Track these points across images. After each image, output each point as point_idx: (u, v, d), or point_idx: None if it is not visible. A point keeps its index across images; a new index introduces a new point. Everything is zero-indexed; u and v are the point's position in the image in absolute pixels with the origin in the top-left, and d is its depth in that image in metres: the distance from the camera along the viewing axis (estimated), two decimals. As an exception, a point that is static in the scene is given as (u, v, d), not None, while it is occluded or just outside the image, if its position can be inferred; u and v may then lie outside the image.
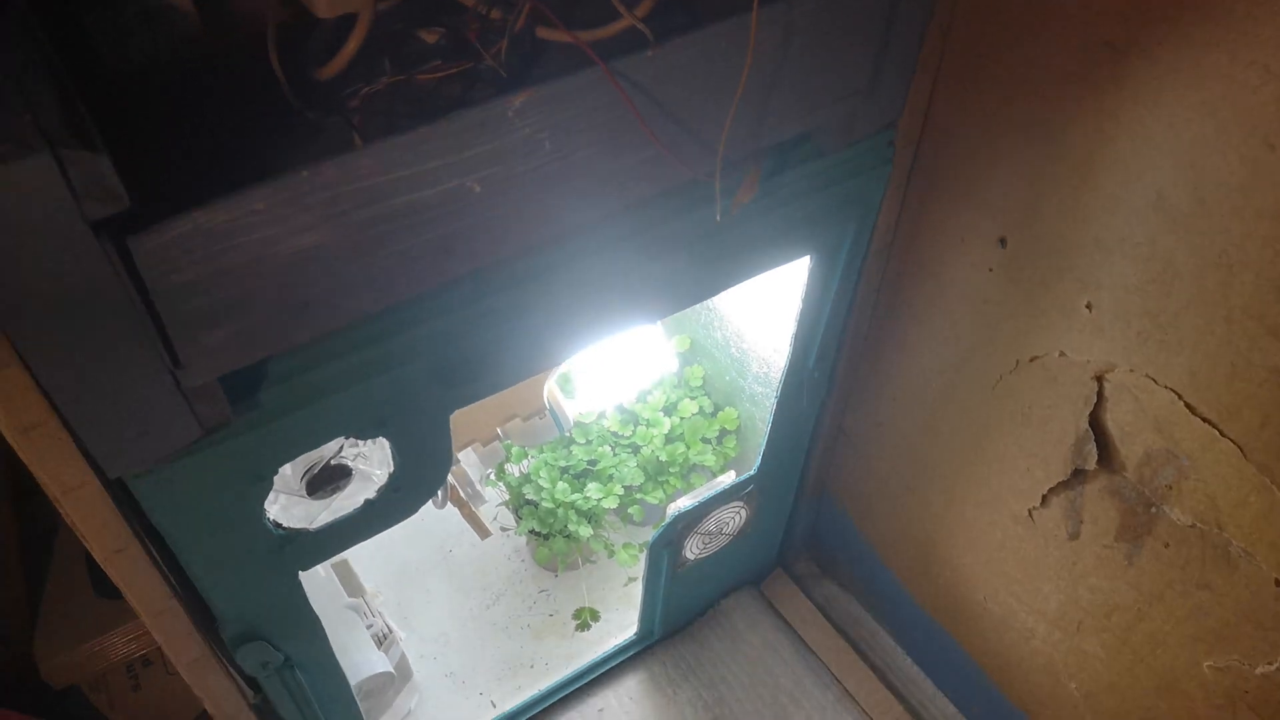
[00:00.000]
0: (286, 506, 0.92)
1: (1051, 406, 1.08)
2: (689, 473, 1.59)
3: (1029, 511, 1.18)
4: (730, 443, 1.61)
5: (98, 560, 0.79)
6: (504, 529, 1.65)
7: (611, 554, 1.59)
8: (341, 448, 0.91)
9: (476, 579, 1.72)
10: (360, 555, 1.70)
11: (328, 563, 1.40)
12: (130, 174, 0.57)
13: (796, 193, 0.97)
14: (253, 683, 1.04)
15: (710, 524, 1.42)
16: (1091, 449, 1.05)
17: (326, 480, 0.89)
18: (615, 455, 1.57)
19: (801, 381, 1.27)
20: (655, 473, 1.57)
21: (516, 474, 1.59)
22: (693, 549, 1.45)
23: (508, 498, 1.61)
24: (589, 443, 1.59)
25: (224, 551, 0.85)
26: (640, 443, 1.58)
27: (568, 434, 1.53)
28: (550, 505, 1.52)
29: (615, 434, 1.60)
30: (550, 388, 1.35)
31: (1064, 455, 1.09)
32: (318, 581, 1.35)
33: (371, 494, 0.93)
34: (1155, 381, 0.95)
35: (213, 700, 1.02)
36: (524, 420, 1.27)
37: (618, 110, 0.74)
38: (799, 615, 1.65)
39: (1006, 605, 1.29)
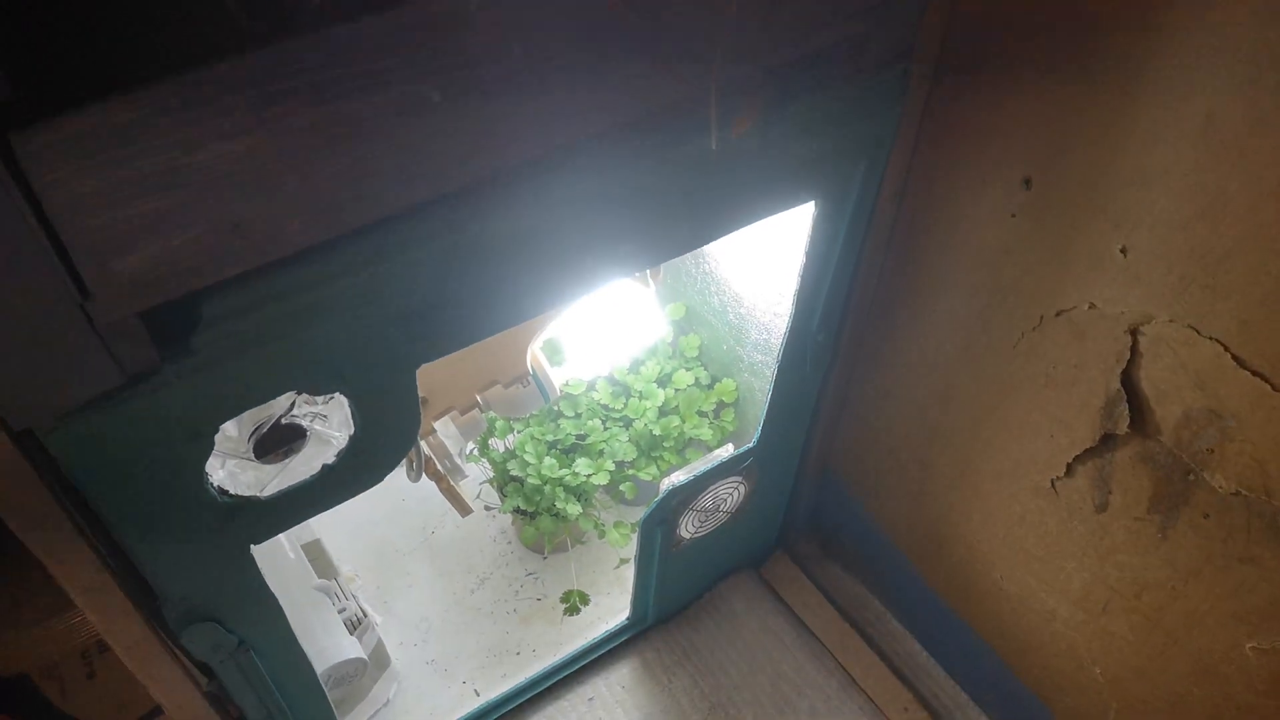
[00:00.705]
0: (233, 471, 0.83)
1: (1079, 366, 0.98)
2: (684, 448, 1.50)
3: (1052, 482, 1.08)
4: (728, 416, 1.51)
5: (12, 527, 0.70)
6: (488, 508, 1.56)
7: (602, 534, 1.50)
8: (294, 404, 0.82)
9: (460, 561, 1.63)
10: (335, 535, 1.61)
11: (296, 541, 1.31)
12: (16, 60, 0.48)
13: (801, 128, 0.88)
14: (205, 668, 0.95)
15: (707, 500, 1.33)
16: (1123, 411, 0.96)
17: (278, 442, 0.80)
18: (606, 429, 1.48)
19: (804, 347, 1.17)
20: (648, 448, 1.48)
21: (501, 450, 1.50)
22: (688, 527, 1.36)
23: (492, 475, 1.52)
24: (578, 416, 1.50)
25: (161, 521, 0.76)
26: (632, 416, 1.49)
27: (553, 404, 1.44)
28: (536, 482, 1.43)
29: (606, 407, 1.51)
30: (534, 352, 1.26)
31: (1092, 419, 0.99)
32: (283, 560, 1.26)
33: (330, 459, 0.83)
34: (1198, 332, 0.86)
35: (160, 687, 0.93)
36: (505, 387, 1.18)
37: (599, 14, 0.65)
38: (801, 599, 1.57)
39: (1025, 585, 1.20)
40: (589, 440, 1.47)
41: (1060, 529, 1.11)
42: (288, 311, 0.69)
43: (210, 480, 0.77)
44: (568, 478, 1.43)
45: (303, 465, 0.87)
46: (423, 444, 1.19)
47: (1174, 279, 0.85)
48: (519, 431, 1.48)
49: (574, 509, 1.41)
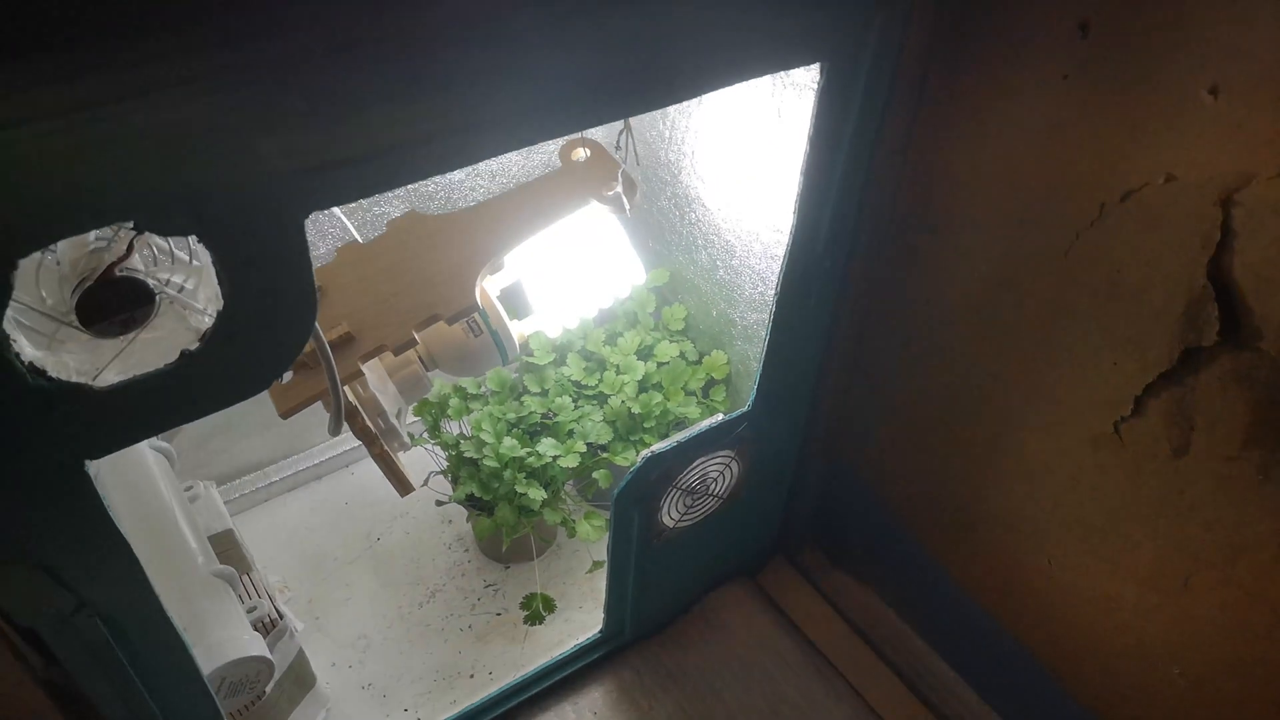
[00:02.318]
0: (52, 341, 0.62)
1: (1151, 263, 0.79)
2: (667, 430, 1.29)
3: (1115, 426, 0.88)
4: (719, 394, 1.31)
5: None
6: (439, 503, 1.34)
7: (572, 532, 1.28)
8: (130, 248, 0.62)
9: (408, 572, 1.40)
10: (262, 542, 1.39)
11: (193, 520, 1.09)
12: None
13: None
14: (34, 640, 0.73)
15: (693, 477, 1.12)
16: (1211, 314, 0.76)
17: (113, 304, 0.60)
18: (577, 408, 1.28)
19: (808, 275, 0.98)
20: (626, 430, 1.28)
21: (456, 434, 1.29)
22: (672, 511, 1.15)
23: (446, 465, 1.30)
24: (544, 393, 1.30)
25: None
26: (608, 392, 1.28)
27: (514, 364, 1.23)
28: (494, 465, 1.21)
29: (577, 384, 1.30)
30: (483, 290, 1.07)
31: (1168, 332, 0.80)
32: (170, 536, 1.04)
33: (191, 342, 0.63)
34: (1318, 186, 0.67)
35: (-29, 666, 0.71)
36: (447, 324, 0.98)
37: None
38: (805, 611, 1.34)
39: (1080, 567, 0.99)
40: (558, 420, 1.26)
41: (1126, 486, 0.90)
42: (96, 90, 0.50)
43: (15, 350, 0.57)
44: (530, 459, 1.22)
45: (152, 347, 0.66)
46: (347, 391, 0.98)
47: (1286, 113, 0.66)
48: (477, 410, 1.27)
49: (537, 494, 1.20)
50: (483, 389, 1.31)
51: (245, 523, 1.42)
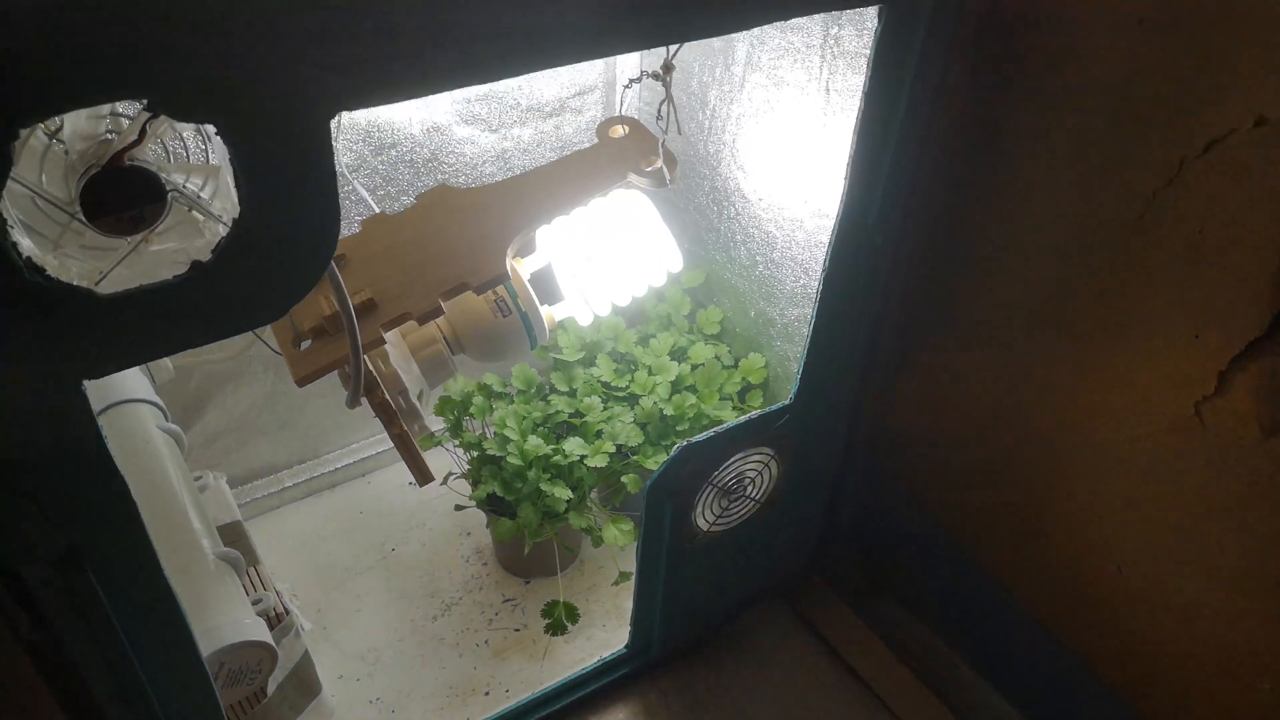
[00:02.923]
0: (56, 244, 0.58)
1: (1237, 220, 0.73)
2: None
3: (1195, 407, 0.81)
4: (755, 399, 1.25)
5: None
6: (458, 507, 1.28)
7: (598, 541, 1.21)
8: (143, 133, 0.57)
9: (422, 584, 1.33)
10: (267, 543, 1.33)
11: (199, 505, 1.03)
12: None
13: None
14: (20, 595, 0.66)
15: (730, 475, 1.05)
16: (1309, 271, 0.70)
17: (121, 196, 0.55)
18: (606, 409, 1.21)
19: (858, 252, 0.93)
20: (657, 434, 1.21)
21: (479, 433, 1.23)
22: (706, 513, 1.07)
23: (468, 468, 1.24)
24: (572, 393, 1.24)
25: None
26: (639, 392, 1.22)
27: (541, 346, 1.16)
28: (518, 463, 1.15)
29: (607, 385, 1.24)
30: (513, 269, 1.02)
31: (1257, 297, 0.73)
32: (173, 513, 0.97)
33: (204, 254, 0.58)
34: None
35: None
36: (476, 294, 0.93)
37: None
38: (846, 635, 1.25)
39: (1153, 571, 0.91)
40: (585, 421, 1.20)
41: (1208, 476, 0.83)
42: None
43: (11, 240, 0.52)
44: (556, 458, 1.16)
45: (160, 254, 0.61)
46: (368, 363, 0.93)
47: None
48: (501, 408, 1.21)
49: (562, 492, 1.13)
50: (508, 388, 1.26)
51: (254, 529, 1.35)
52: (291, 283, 0.63)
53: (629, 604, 1.18)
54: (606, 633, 1.27)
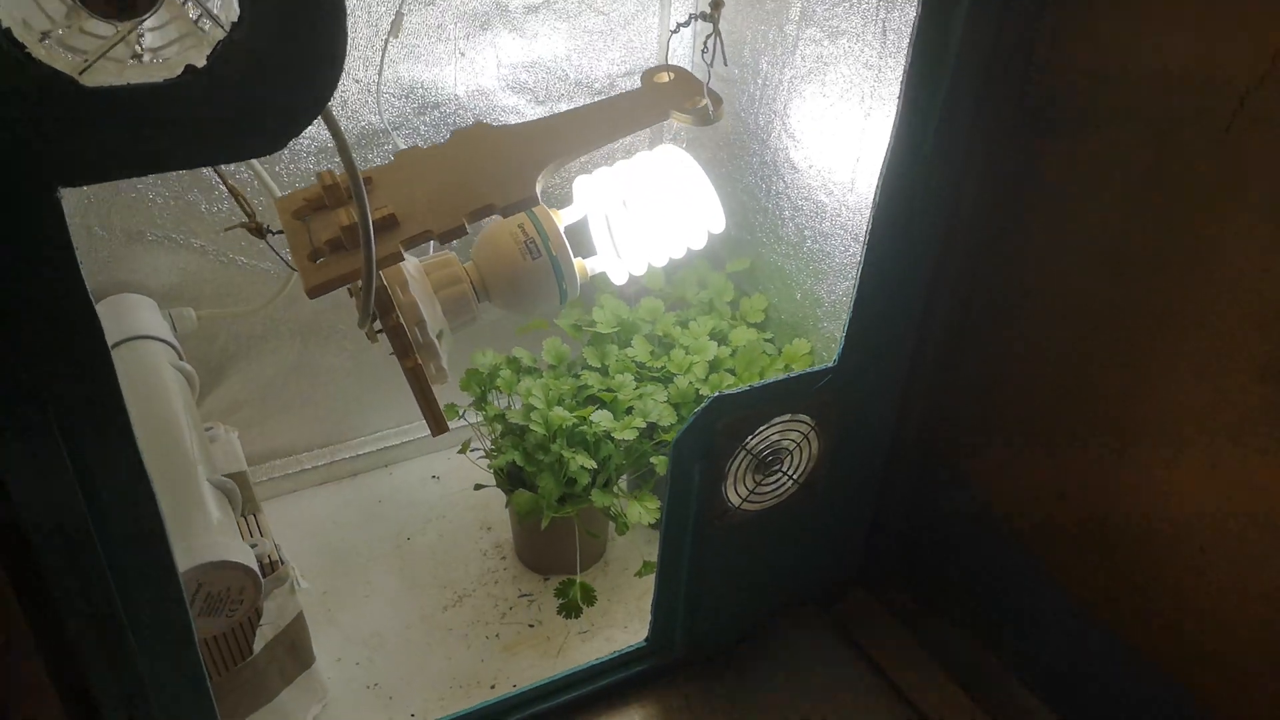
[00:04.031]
0: (41, 30, 0.54)
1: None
2: (739, 419, 1.15)
3: (1292, 344, 0.72)
4: (798, 386, 1.17)
5: None
6: (478, 485, 1.20)
7: (623, 528, 1.12)
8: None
9: (436, 574, 1.25)
10: (279, 527, 1.27)
11: (183, 420, 0.97)
12: None
13: None
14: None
15: (765, 443, 0.97)
16: None
17: (110, -27, 0.52)
18: (639, 388, 1.15)
19: (911, 186, 0.86)
20: (692, 414, 1.13)
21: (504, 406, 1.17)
22: (739, 486, 0.99)
23: (490, 446, 1.17)
24: (604, 370, 1.17)
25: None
26: (675, 371, 1.15)
27: (571, 300, 1.09)
28: (541, 432, 1.08)
29: (642, 365, 1.18)
30: (546, 211, 0.97)
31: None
32: (164, 431, 0.92)
33: (199, 60, 0.54)
34: None
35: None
36: (503, 214, 0.88)
37: None
38: (890, 649, 1.13)
39: (1244, 553, 0.80)
40: (617, 398, 1.13)
41: (1308, 426, 0.73)
42: None
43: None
44: (583, 429, 1.08)
45: (158, 69, 0.58)
46: (386, 284, 0.88)
47: None
48: (530, 380, 1.15)
49: (586, 462, 1.05)
50: (537, 363, 1.20)
51: (267, 510, 1.30)
52: (293, 106, 0.59)
53: (649, 598, 1.08)
54: (628, 634, 1.18)
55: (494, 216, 0.90)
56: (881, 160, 0.86)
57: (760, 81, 1.14)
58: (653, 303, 1.23)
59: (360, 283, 0.81)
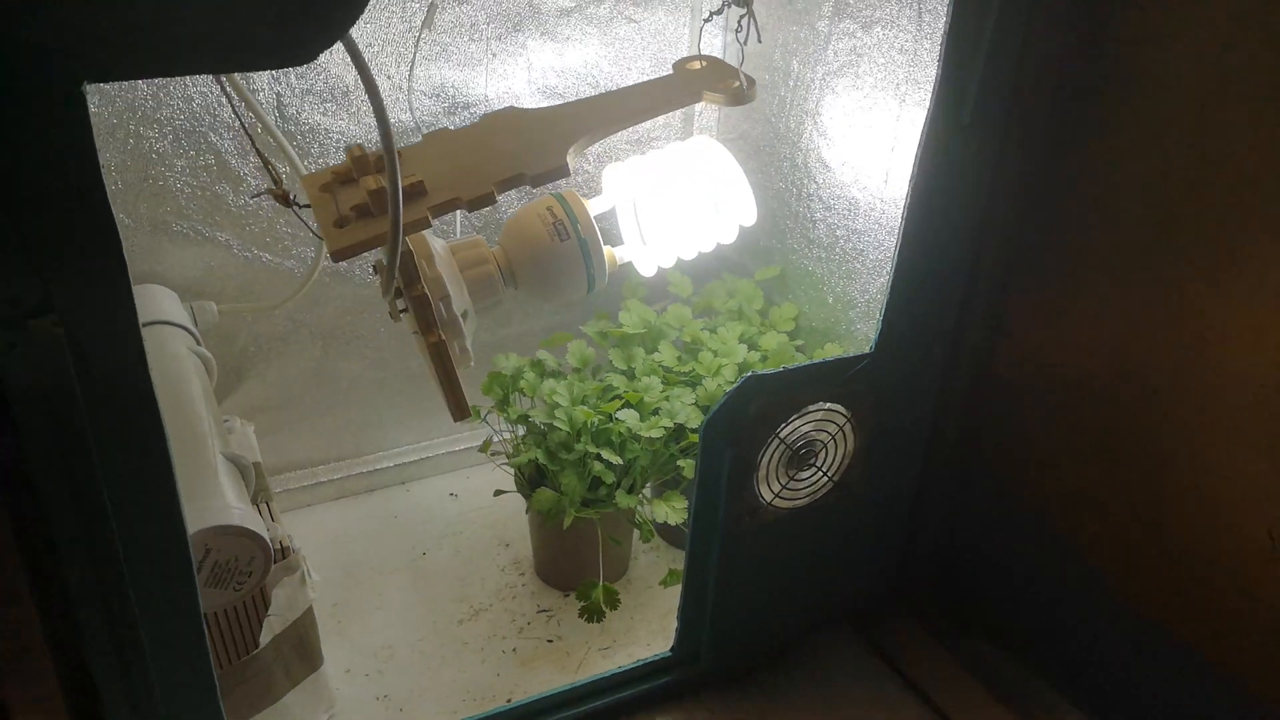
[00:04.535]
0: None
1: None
2: (769, 424, 1.11)
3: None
4: (830, 392, 1.13)
5: None
6: (498, 491, 1.16)
7: (648, 535, 1.07)
8: None
9: (451, 588, 1.20)
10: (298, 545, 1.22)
11: (197, 393, 0.94)
12: None
13: None
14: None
15: (798, 436, 0.93)
16: None
17: None
18: (665, 391, 1.11)
19: (949, 156, 0.84)
20: (721, 421, 1.09)
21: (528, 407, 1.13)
22: (771, 481, 0.95)
23: (511, 450, 1.14)
24: (630, 372, 1.14)
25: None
26: (703, 373, 1.12)
27: (597, 289, 1.05)
28: (565, 429, 1.05)
29: (668, 369, 1.15)
30: (575, 196, 0.96)
31: None
32: (178, 404, 0.89)
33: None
34: None
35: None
36: (533, 184, 0.86)
37: None
38: (931, 671, 1.07)
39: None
40: (643, 400, 1.09)
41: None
42: None
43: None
44: (609, 429, 1.05)
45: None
46: (411, 247, 0.86)
47: None
48: (554, 381, 1.12)
49: (611, 457, 1.01)
50: (561, 366, 1.17)
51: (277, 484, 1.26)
52: (325, 14, 0.57)
53: (674, 609, 1.03)
54: (650, 652, 1.11)
55: (521, 207, 0.89)
56: (917, 143, 0.84)
57: (791, 83, 1.13)
58: (680, 309, 1.21)
59: (385, 259, 0.79)
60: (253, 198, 1.08)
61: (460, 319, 0.92)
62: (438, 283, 0.89)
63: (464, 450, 1.39)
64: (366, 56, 1.09)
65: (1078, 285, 0.88)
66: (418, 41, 1.09)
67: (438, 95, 1.14)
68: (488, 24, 1.13)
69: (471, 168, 0.88)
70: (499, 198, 0.86)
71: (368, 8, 0.57)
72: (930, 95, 0.81)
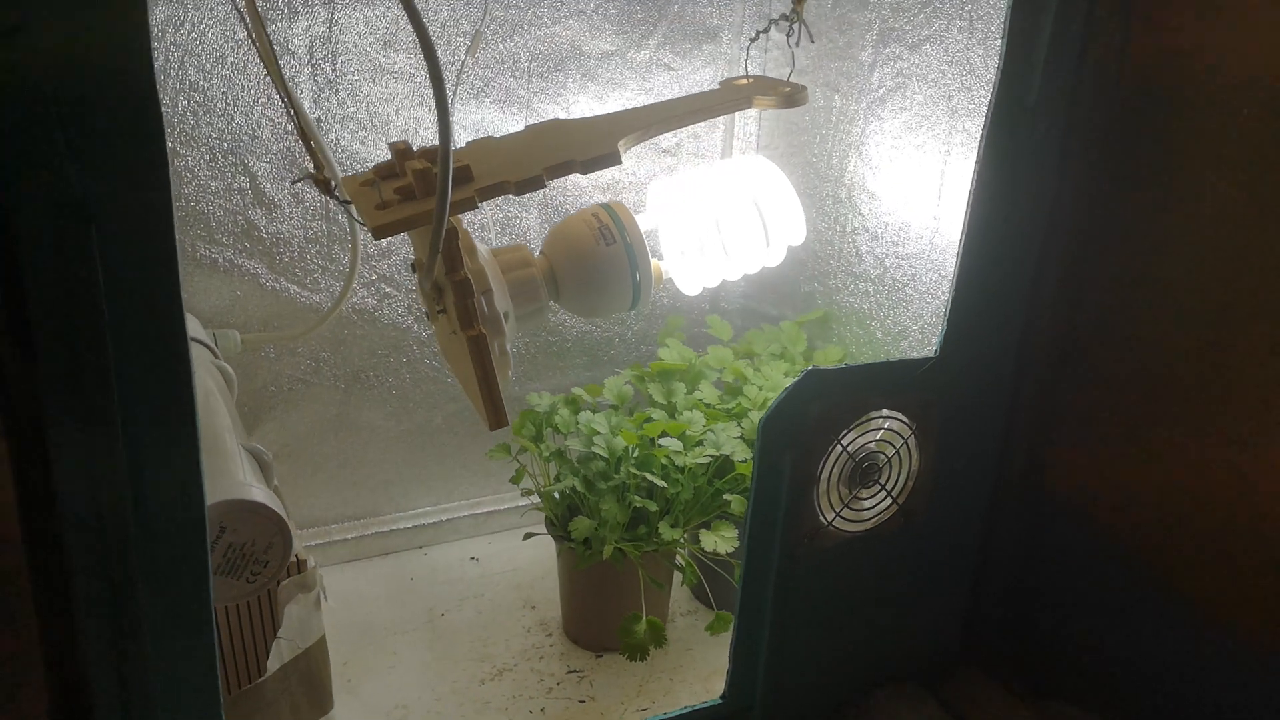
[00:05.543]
0: None
1: None
2: (820, 459, 1.04)
3: None
4: (883, 428, 1.06)
5: None
6: (528, 534, 1.08)
7: (692, 578, 0.99)
8: None
9: (472, 648, 1.09)
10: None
11: (216, 391, 0.88)
12: None
13: None
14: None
15: (860, 448, 0.87)
16: None
17: None
18: (709, 425, 1.05)
19: (1014, 143, 0.82)
20: (768, 456, 1.03)
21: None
22: (832, 496, 0.87)
23: (544, 491, 1.06)
24: (670, 407, 1.08)
25: None
26: (748, 406, 1.06)
27: (640, 305, 1.00)
28: (604, 455, 0.98)
29: (711, 406, 1.09)
30: (622, 205, 0.93)
31: None
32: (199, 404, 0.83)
33: None
34: None
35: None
36: (583, 171, 0.83)
37: None
38: (1007, 727, 0.96)
39: None
40: (686, 434, 1.03)
41: None
42: None
43: None
44: (651, 455, 0.98)
45: None
46: (453, 223, 0.82)
47: None
48: (592, 412, 1.06)
49: (656, 480, 0.94)
50: (598, 401, 1.11)
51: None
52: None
53: (723, 686, 0.93)
54: (690, 693, 1.00)
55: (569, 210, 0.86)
56: (979, 137, 0.82)
57: (833, 119, 1.13)
58: (720, 350, 1.16)
59: (430, 241, 0.75)
60: (293, 184, 1.06)
61: (501, 318, 0.87)
62: (480, 276, 0.85)
63: (486, 514, 1.31)
64: (409, 87, 1.09)
65: (1155, 288, 0.84)
66: (460, 71, 1.09)
67: (477, 131, 1.14)
68: (529, 61, 1.13)
69: (519, 159, 0.86)
70: (549, 183, 0.83)
71: None
72: (990, 91, 0.79)
